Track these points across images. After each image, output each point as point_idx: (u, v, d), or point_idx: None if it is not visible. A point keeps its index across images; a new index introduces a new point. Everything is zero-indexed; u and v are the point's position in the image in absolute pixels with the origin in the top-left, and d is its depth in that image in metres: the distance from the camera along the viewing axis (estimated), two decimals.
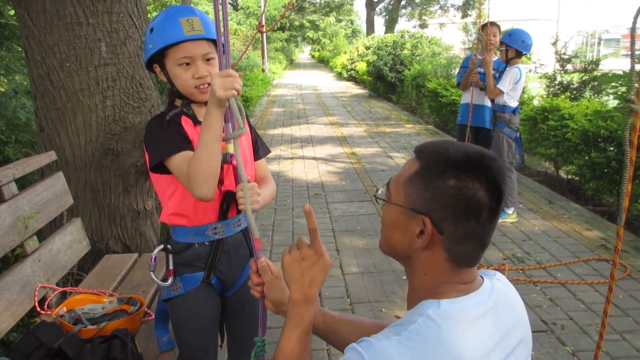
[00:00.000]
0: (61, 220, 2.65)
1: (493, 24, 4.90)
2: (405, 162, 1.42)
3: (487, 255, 3.91)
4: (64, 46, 2.76)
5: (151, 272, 1.64)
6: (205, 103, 1.38)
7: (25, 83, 4.99)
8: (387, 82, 14.32)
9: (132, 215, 3.08)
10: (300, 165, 7.28)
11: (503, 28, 6.23)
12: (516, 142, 4.70)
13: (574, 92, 7.10)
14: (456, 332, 0.87)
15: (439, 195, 0.90)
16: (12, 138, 4.09)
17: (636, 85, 1.51)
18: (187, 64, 1.50)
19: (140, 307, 1.97)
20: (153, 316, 1.94)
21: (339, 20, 50.06)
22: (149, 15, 3.43)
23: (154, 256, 1.65)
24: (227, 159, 1.44)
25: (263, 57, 20.85)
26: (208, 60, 1.52)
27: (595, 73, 7.00)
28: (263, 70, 19.16)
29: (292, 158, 7.74)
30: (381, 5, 31.19)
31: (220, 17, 1.21)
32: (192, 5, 2.07)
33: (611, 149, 4.94)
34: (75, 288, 2.31)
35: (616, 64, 8.87)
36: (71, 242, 2.45)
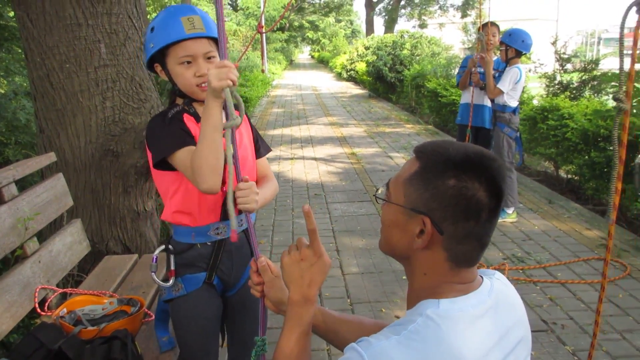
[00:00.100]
0: (61, 222, 2.65)
1: (492, 24, 4.91)
2: (405, 162, 1.42)
3: (487, 255, 3.91)
4: (64, 47, 2.76)
5: (152, 273, 1.64)
6: None
7: (25, 84, 4.99)
8: (386, 82, 14.32)
9: (132, 216, 3.09)
10: (300, 165, 7.28)
11: (503, 28, 6.24)
12: (516, 142, 4.70)
13: (574, 92, 7.10)
14: (455, 331, 0.87)
15: (439, 195, 0.91)
16: (12, 139, 4.09)
17: (625, 84, 1.52)
18: (189, 62, 1.50)
19: (140, 308, 1.98)
20: (153, 317, 1.94)
21: (339, 21, 50.05)
22: (148, 17, 3.43)
23: (155, 257, 1.65)
24: (227, 159, 1.44)
25: (262, 58, 20.85)
26: (209, 58, 1.52)
27: (594, 72, 7.00)
28: (263, 71, 19.15)
29: (292, 158, 7.74)
30: (380, 6, 31.19)
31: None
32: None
33: (611, 148, 4.94)
34: (75, 289, 2.31)
35: (616, 63, 8.84)
36: (71, 244, 2.45)
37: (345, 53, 27.55)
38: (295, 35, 45.56)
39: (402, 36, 15.78)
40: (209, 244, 1.62)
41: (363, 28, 41.43)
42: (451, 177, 0.90)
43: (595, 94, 6.94)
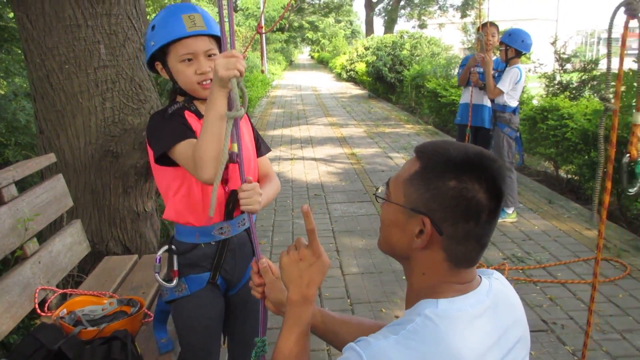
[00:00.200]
0: (61, 222, 2.65)
1: (492, 24, 4.91)
2: (405, 162, 1.43)
3: (487, 255, 3.91)
4: (63, 48, 2.76)
5: (156, 274, 1.63)
6: None
7: (25, 85, 4.99)
8: (386, 82, 14.33)
9: (132, 217, 3.09)
10: (300, 166, 7.28)
11: (502, 28, 6.24)
12: (516, 142, 4.70)
13: (574, 92, 7.10)
14: (454, 331, 0.87)
15: (440, 196, 0.90)
16: (12, 140, 4.09)
17: (612, 84, 1.52)
18: (190, 60, 1.50)
19: (140, 309, 1.98)
20: (153, 317, 1.94)
21: (338, 21, 50.06)
22: (147, 17, 3.43)
23: (158, 257, 1.63)
24: (232, 158, 1.40)
25: (262, 58, 20.84)
26: (210, 56, 1.52)
27: (594, 72, 7.01)
28: (262, 72, 19.14)
29: (291, 159, 7.74)
30: (380, 6, 31.21)
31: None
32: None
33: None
34: (75, 290, 2.32)
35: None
36: (71, 244, 2.45)
37: (345, 53, 27.56)
38: (294, 36, 45.56)
39: (401, 36, 15.77)
40: (213, 243, 1.62)
41: (363, 28, 41.47)
42: (452, 178, 0.90)
43: (595, 94, 6.94)
